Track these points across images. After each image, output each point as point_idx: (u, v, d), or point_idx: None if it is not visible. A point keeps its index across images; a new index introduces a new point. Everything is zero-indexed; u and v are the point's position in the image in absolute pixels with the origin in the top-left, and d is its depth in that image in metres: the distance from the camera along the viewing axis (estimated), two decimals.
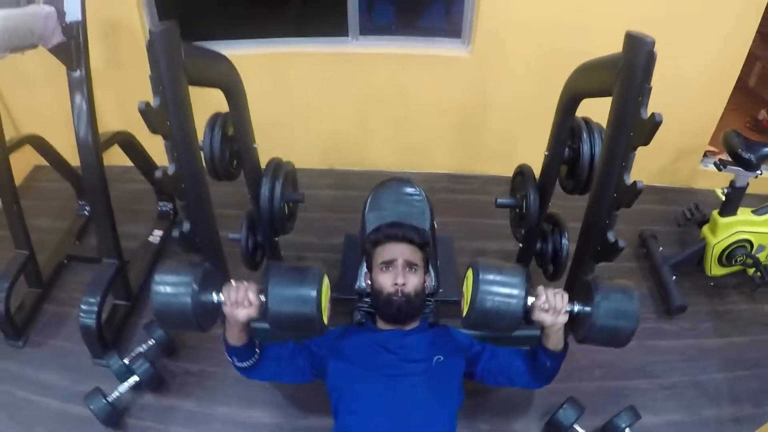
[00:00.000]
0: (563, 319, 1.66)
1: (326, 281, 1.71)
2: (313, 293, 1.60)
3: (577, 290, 1.73)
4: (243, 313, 1.65)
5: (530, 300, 1.63)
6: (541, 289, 1.67)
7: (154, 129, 1.60)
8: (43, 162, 3.26)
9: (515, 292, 1.60)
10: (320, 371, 1.96)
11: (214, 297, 1.65)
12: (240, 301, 1.64)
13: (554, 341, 1.75)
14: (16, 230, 2.79)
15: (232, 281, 1.67)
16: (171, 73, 1.58)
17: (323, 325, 1.68)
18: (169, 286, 1.58)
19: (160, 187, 1.70)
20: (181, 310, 1.57)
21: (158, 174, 1.66)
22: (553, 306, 1.64)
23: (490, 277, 1.62)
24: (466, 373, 1.97)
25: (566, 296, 1.67)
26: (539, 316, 1.66)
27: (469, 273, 1.69)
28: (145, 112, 1.55)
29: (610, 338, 1.63)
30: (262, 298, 1.64)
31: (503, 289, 1.60)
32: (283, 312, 1.62)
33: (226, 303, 1.65)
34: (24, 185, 2.74)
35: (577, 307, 1.66)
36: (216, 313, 1.69)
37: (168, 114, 1.61)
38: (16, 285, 2.76)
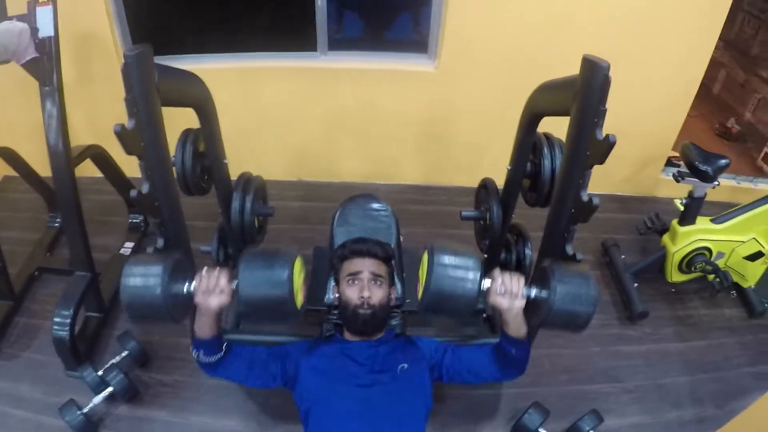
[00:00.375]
0: (520, 303, 1.67)
1: (299, 263, 1.72)
2: (284, 275, 1.61)
3: (535, 275, 1.76)
4: (215, 301, 1.65)
5: (486, 283, 1.65)
6: (497, 272, 1.68)
7: (129, 150, 1.62)
8: (12, 173, 3.24)
9: (470, 274, 1.61)
10: (290, 377, 1.98)
11: (186, 286, 1.64)
12: (212, 288, 1.64)
13: (514, 327, 1.75)
14: None
15: (204, 269, 1.66)
16: (145, 95, 1.61)
17: (296, 308, 1.68)
18: (139, 278, 1.56)
19: (135, 205, 1.72)
20: (152, 301, 1.54)
21: (133, 193, 1.69)
22: (509, 289, 1.65)
23: (445, 259, 1.62)
24: (435, 377, 2.01)
25: (522, 280, 1.68)
26: (495, 299, 1.66)
27: (425, 256, 1.70)
28: (121, 134, 1.57)
29: (568, 322, 1.64)
30: (234, 284, 1.63)
31: (458, 272, 1.61)
32: (256, 295, 1.62)
33: (198, 291, 1.64)
34: None
35: (534, 292, 1.66)
36: (188, 303, 1.67)
37: (142, 135, 1.64)
38: None
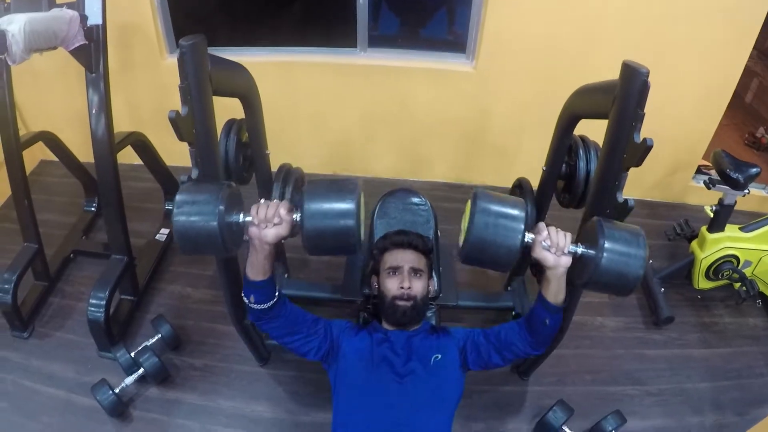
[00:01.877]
0: (566, 260, 1.62)
1: (362, 196, 1.64)
2: (353, 204, 1.53)
3: (582, 233, 1.70)
4: (272, 233, 1.58)
5: (531, 236, 1.60)
6: (542, 225, 1.64)
7: (181, 137, 1.67)
8: (50, 157, 3.30)
9: (514, 223, 1.56)
10: (329, 354, 1.98)
11: (241, 217, 1.59)
12: (270, 218, 1.57)
13: (554, 289, 1.70)
14: (26, 224, 2.85)
15: (262, 200, 1.61)
16: (198, 83, 1.65)
17: (360, 240, 1.62)
18: (192, 206, 1.51)
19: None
20: (205, 231, 1.49)
21: (183, 178, 1.73)
22: (555, 243, 1.60)
23: (489, 206, 1.57)
24: (463, 364, 2.00)
25: (569, 236, 1.63)
26: (540, 254, 1.61)
27: (468, 204, 1.63)
28: (175, 120, 1.61)
29: (615, 283, 1.55)
30: (295, 215, 1.58)
31: (502, 220, 1.56)
32: (320, 226, 1.54)
33: (254, 221, 1.58)
34: (30, 180, 2.80)
35: (581, 249, 1.60)
36: (241, 235, 1.62)
37: (194, 122, 1.68)
38: (23, 277, 2.81)
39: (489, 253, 1.57)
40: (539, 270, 1.75)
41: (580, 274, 1.63)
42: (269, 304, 1.77)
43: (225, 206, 1.50)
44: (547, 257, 1.61)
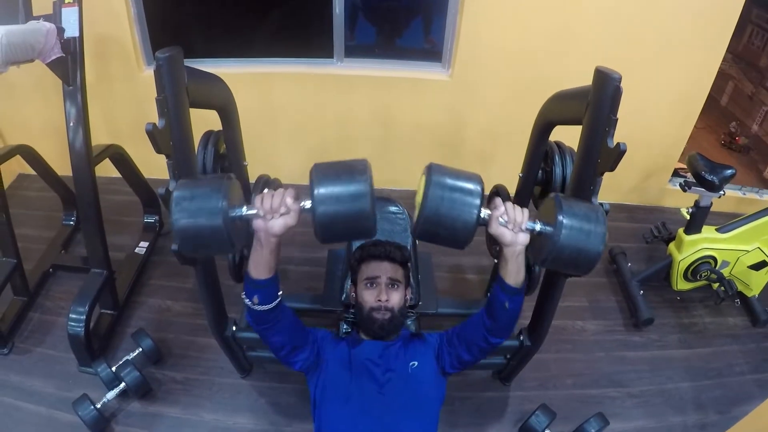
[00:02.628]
0: (524, 237, 1.57)
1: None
2: (366, 186, 1.43)
3: (541, 210, 1.65)
4: (280, 223, 1.50)
5: (487, 212, 1.54)
6: (499, 200, 1.58)
7: (159, 149, 1.66)
8: (28, 171, 3.28)
9: (470, 197, 1.48)
10: (312, 364, 1.98)
11: (245, 209, 1.49)
12: (276, 207, 1.49)
13: (513, 269, 1.65)
14: (4, 239, 2.82)
15: (266, 190, 1.54)
16: (175, 96, 1.65)
17: (376, 224, 1.51)
18: (192, 201, 1.41)
19: (165, 202, 1.72)
20: (209, 228, 1.39)
21: (161, 191, 1.73)
22: (512, 218, 1.54)
23: (444, 179, 1.50)
24: (441, 369, 2.01)
25: (527, 212, 1.57)
26: (497, 230, 1.55)
27: (422, 178, 1.54)
28: (152, 133, 1.61)
29: (575, 260, 1.50)
30: (303, 203, 1.49)
31: (457, 194, 1.48)
32: (333, 212, 1.44)
33: (260, 213, 1.49)
34: (8, 194, 2.77)
35: (539, 225, 1.54)
36: (246, 230, 1.56)
37: (171, 135, 1.68)
38: (2, 293, 2.80)
39: (444, 228, 1.49)
40: (499, 252, 1.68)
41: (539, 251, 1.57)
42: (273, 304, 1.72)
43: (227, 200, 1.40)
44: (505, 233, 1.56)
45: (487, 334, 1.84)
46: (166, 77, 1.61)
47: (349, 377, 1.93)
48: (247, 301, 1.70)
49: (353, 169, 1.46)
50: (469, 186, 1.50)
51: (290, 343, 1.89)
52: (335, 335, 2.14)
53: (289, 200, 1.49)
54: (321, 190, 1.42)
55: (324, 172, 1.47)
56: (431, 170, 1.51)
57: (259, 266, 1.63)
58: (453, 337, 1.98)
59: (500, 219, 1.54)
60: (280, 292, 1.73)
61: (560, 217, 1.47)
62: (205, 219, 1.39)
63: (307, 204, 1.47)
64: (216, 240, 1.42)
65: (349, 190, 1.43)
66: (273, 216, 1.50)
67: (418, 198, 1.53)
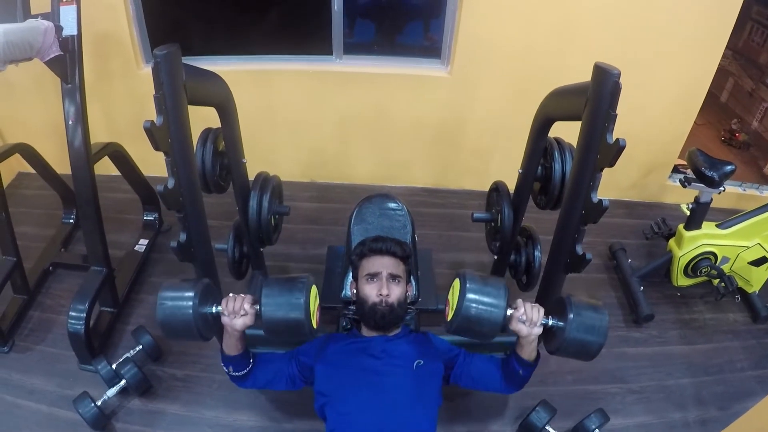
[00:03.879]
0: (538, 330, 1.77)
1: (314, 290, 1.87)
2: (301, 300, 1.76)
3: (553, 306, 1.84)
4: (240, 322, 1.80)
5: (509, 311, 1.75)
6: (520, 302, 1.78)
7: (157, 146, 1.67)
8: (28, 169, 3.28)
9: (497, 302, 1.72)
10: (309, 378, 2.05)
11: (214, 309, 1.80)
12: (237, 310, 1.78)
13: (528, 351, 1.86)
14: (4, 237, 2.82)
15: (230, 294, 1.82)
16: (173, 93, 1.65)
17: (312, 329, 1.81)
18: (172, 301, 1.72)
19: (161, 199, 1.77)
20: (183, 321, 1.70)
21: (159, 188, 1.74)
22: (530, 318, 1.75)
23: (476, 287, 1.73)
24: (445, 377, 2.07)
25: (542, 310, 1.78)
26: (516, 326, 1.76)
27: (456, 282, 1.82)
28: (150, 130, 1.62)
29: (580, 351, 1.75)
30: (257, 307, 1.79)
31: (486, 299, 1.72)
32: (276, 318, 1.76)
33: (224, 313, 1.79)
34: (7, 192, 2.78)
35: (551, 321, 1.77)
36: (215, 324, 1.83)
37: (170, 132, 1.69)
38: (2, 291, 2.80)
39: (474, 328, 1.75)
40: (516, 340, 1.90)
41: (550, 342, 1.83)
42: (246, 371, 2.01)
43: (199, 300, 1.73)
44: (522, 329, 1.77)
45: (500, 386, 2.05)
46: (164, 74, 1.61)
47: (349, 374, 1.95)
48: (224, 368, 2.01)
49: (294, 286, 1.80)
50: (497, 301, 1.73)
51: (270, 381, 2.10)
52: (327, 337, 2.17)
53: (246, 305, 1.80)
54: (267, 300, 1.77)
55: (272, 285, 1.81)
56: (466, 278, 1.77)
57: (228, 347, 1.94)
58: (469, 366, 2.09)
59: (520, 317, 1.76)
60: (251, 360, 2.02)
61: (571, 315, 1.71)
62: (179, 315, 1.71)
63: (257, 308, 1.80)
64: (187, 331, 1.74)
65: (288, 302, 1.77)
66: (235, 316, 1.80)
67: (452, 297, 1.83)
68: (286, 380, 2.08)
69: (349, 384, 1.94)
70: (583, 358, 1.77)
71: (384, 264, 2.07)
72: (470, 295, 1.72)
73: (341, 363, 2.00)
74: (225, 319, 1.81)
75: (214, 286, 1.90)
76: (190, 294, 1.73)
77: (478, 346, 2.17)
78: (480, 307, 1.72)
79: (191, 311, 1.70)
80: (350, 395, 1.92)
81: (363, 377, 1.94)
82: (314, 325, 1.83)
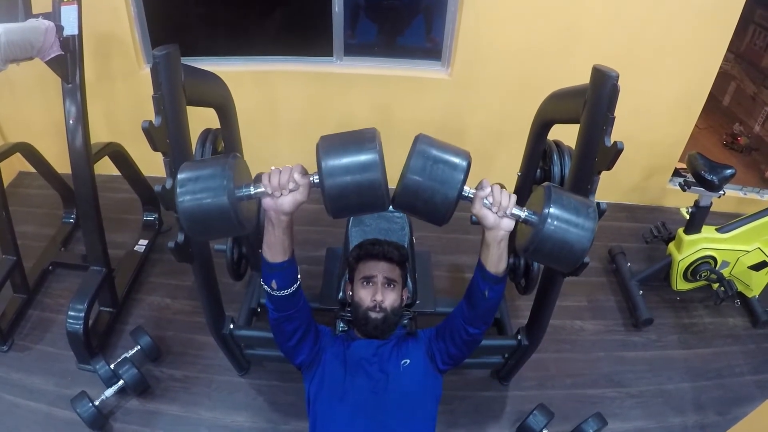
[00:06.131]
0: (507, 222, 1.50)
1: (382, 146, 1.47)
2: (375, 156, 1.40)
3: (531, 199, 1.57)
4: (289, 200, 1.48)
5: (472, 191, 1.49)
6: (486, 181, 1.51)
7: (155, 147, 1.67)
8: (29, 169, 3.28)
9: (454, 171, 1.42)
10: (312, 360, 1.96)
11: (252, 188, 1.45)
12: (284, 184, 1.46)
13: (494, 256, 1.59)
14: (4, 236, 2.82)
15: (273, 167, 1.51)
16: (172, 93, 1.66)
17: (389, 195, 1.47)
18: (198, 183, 1.37)
19: (159, 199, 1.74)
20: (216, 208, 1.35)
21: (158, 188, 1.73)
22: (497, 201, 1.48)
23: (429, 149, 1.45)
24: (434, 366, 1.98)
25: (514, 198, 1.51)
26: (480, 211, 1.50)
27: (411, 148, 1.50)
28: (148, 130, 1.62)
29: (559, 253, 1.43)
30: (312, 177, 1.47)
31: (441, 165, 1.43)
32: (343, 184, 1.40)
33: (268, 191, 1.46)
34: (8, 191, 2.78)
35: (525, 213, 1.48)
36: (254, 209, 1.55)
37: (168, 132, 1.69)
38: (1, 290, 2.81)
39: (423, 200, 1.44)
40: (481, 236, 1.62)
41: (521, 240, 1.54)
42: (293, 288, 1.69)
43: (233, 179, 1.36)
44: (488, 216, 1.50)
45: (465, 324, 1.80)
46: (163, 74, 1.62)
47: (344, 375, 1.92)
48: (265, 287, 1.67)
49: (361, 139, 1.43)
50: (454, 160, 1.44)
51: (302, 330, 1.85)
52: (333, 333, 2.14)
53: (297, 175, 1.46)
54: (329, 163, 1.39)
55: (331, 143, 1.44)
56: (418, 140, 1.48)
57: (273, 248, 1.59)
58: (440, 330, 1.95)
59: (485, 200, 1.49)
60: (299, 275, 1.70)
61: (547, 208, 1.40)
62: (211, 199, 1.34)
63: (316, 178, 1.43)
64: (224, 221, 1.37)
65: (358, 160, 1.39)
66: (282, 193, 1.47)
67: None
68: (308, 339, 1.88)
69: (345, 386, 1.90)
70: (563, 263, 1.47)
71: (380, 268, 2.03)
72: (417, 158, 1.43)
73: (340, 362, 1.96)
74: (268, 201, 1.47)
75: (245, 163, 1.55)
76: (222, 171, 1.36)
77: None
78: (430, 169, 1.41)
79: (226, 194, 1.33)
80: (344, 398, 1.88)
81: (358, 380, 1.91)
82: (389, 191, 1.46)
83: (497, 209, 1.49)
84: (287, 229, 1.55)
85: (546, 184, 1.50)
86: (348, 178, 1.38)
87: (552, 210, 1.40)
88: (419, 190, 1.43)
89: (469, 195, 1.48)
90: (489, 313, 1.77)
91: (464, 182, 1.43)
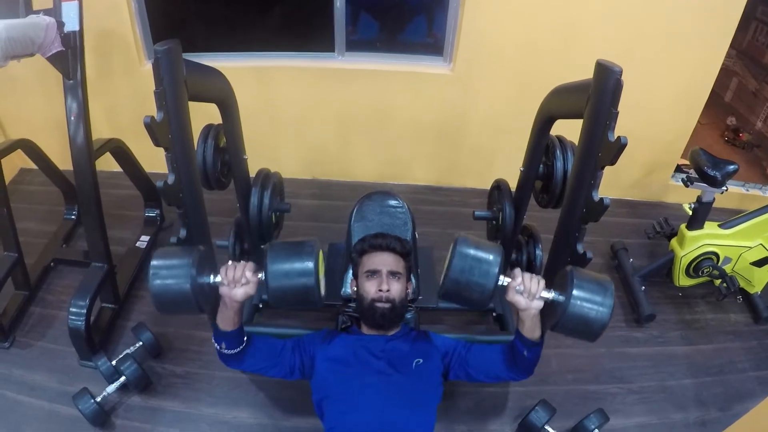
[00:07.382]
0: (537, 304, 1.68)
1: (321, 255, 1.77)
2: (311, 265, 1.66)
3: (555, 279, 1.76)
4: (241, 292, 1.70)
5: (506, 280, 1.68)
6: (517, 271, 1.70)
7: (157, 142, 1.67)
8: (30, 165, 3.27)
9: (489, 267, 1.65)
10: (308, 369, 2.02)
11: (212, 278, 1.68)
12: (238, 278, 1.68)
13: (529, 327, 1.76)
14: (6, 233, 2.82)
15: (229, 261, 1.72)
16: (173, 89, 1.66)
17: (321, 297, 1.74)
18: (167, 270, 1.60)
19: (161, 195, 1.77)
20: (181, 293, 1.58)
21: (159, 184, 1.73)
22: (528, 289, 1.66)
23: (468, 249, 1.68)
24: (443, 372, 2.04)
25: (542, 282, 1.68)
26: (513, 297, 1.68)
27: (452, 246, 1.73)
28: (150, 125, 1.62)
29: (581, 328, 1.63)
30: (260, 275, 1.69)
31: (478, 264, 1.66)
32: (283, 285, 1.67)
33: (224, 282, 1.69)
34: (10, 188, 2.78)
35: (552, 294, 1.67)
36: (213, 294, 1.73)
37: (170, 128, 1.69)
38: (3, 287, 2.80)
39: (464, 293, 1.69)
40: (516, 314, 1.81)
41: (549, 317, 1.72)
42: (239, 349, 1.89)
43: (196, 269, 1.60)
44: (519, 301, 1.68)
45: (505, 373, 1.95)
46: (165, 70, 1.62)
47: (349, 371, 1.94)
48: (216, 345, 1.90)
49: (301, 251, 1.69)
50: (489, 257, 1.67)
51: (263, 365, 2.01)
52: (329, 332, 2.15)
53: (248, 273, 1.70)
54: (273, 267, 1.66)
55: (277, 252, 1.70)
56: (457, 243, 1.71)
57: (224, 321, 1.82)
58: (468, 356, 2.02)
59: (516, 288, 1.67)
60: (245, 338, 1.91)
61: (571, 289, 1.60)
62: (176, 286, 1.58)
63: (263, 276, 1.68)
64: (186, 304, 1.61)
65: (296, 268, 1.67)
66: (236, 285, 1.70)
67: (446, 264, 1.73)
68: (284, 369, 2.01)
69: (349, 383, 1.92)
70: (585, 336, 1.66)
71: (384, 261, 2.06)
72: (459, 259, 1.66)
73: (342, 360, 1.98)
74: (224, 290, 1.71)
75: (210, 252, 1.79)
76: (188, 262, 1.60)
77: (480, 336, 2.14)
78: (470, 269, 1.65)
79: (189, 282, 1.57)
80: (349, 394, 1.91)
81: (363, 376, 1.93)
82: (321, 292, 1.76)
83: (527, 295, 1.67)
84: (238, 311, 1.80)
85: (569, 268, 1.69)
86: (287, 282, 1.67)
87: (575, 292, 1.59)
88: (460, 287, 1.68)
89: (503, 284, 1.69)
90: (530, 368, 1.92)
91: (500, 274, 1.67)
